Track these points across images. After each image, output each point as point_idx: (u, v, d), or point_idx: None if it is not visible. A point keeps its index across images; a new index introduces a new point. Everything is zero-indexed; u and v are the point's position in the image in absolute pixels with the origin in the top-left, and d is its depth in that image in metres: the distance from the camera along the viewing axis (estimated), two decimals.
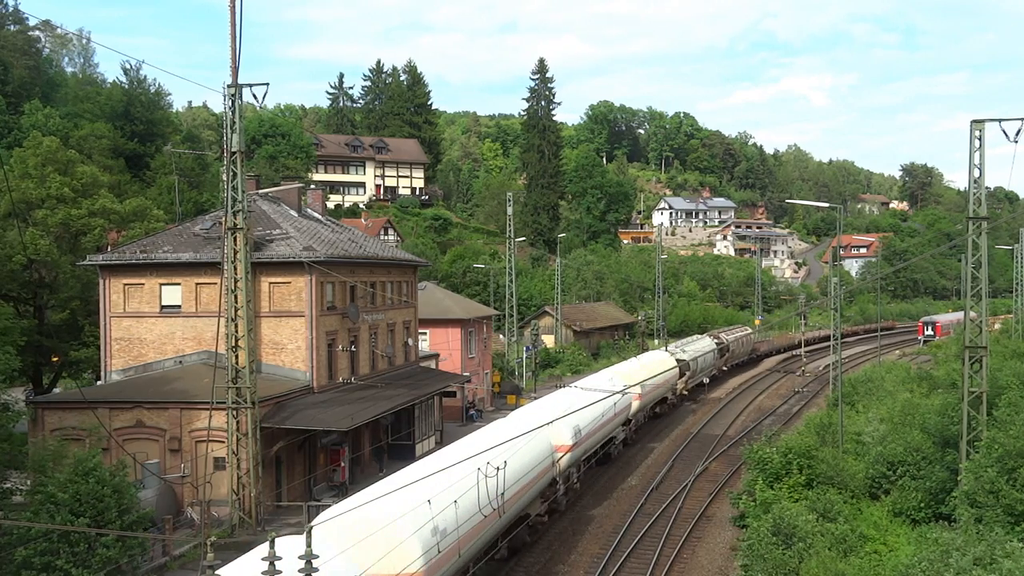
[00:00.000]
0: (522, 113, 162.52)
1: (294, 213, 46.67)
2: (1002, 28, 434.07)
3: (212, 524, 33.44)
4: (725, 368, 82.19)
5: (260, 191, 46.69)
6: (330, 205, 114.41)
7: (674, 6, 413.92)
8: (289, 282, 40.53)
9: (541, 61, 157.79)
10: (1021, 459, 27.03)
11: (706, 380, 74.76)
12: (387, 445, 46.86)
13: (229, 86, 34.42)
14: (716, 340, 79.27)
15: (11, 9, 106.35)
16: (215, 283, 37.49)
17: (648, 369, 54.30)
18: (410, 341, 52.73)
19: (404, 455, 46.39)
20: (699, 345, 73.67)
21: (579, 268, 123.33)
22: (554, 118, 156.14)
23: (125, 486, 28.72)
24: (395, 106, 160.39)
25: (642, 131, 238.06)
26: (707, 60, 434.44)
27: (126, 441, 35.95)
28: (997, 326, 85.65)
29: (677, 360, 64.71)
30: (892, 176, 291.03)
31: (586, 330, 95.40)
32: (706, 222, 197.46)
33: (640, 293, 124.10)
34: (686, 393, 67.93)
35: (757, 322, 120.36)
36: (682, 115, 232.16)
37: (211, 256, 39.49)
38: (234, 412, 34.75)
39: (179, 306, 41.20)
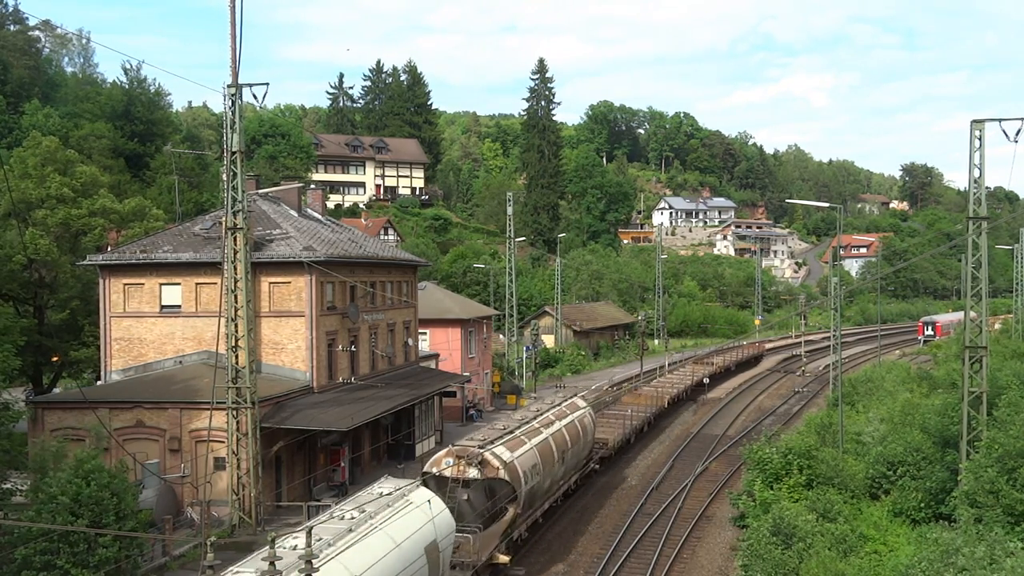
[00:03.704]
0: (522, 113, 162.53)
1: (294, 213, 46.67)
2: (1002, 28, 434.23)
3: (212, 524, 33.43)
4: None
5: (260, 191, 46.66)
6: (330, 205, 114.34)
7: (673, 8, 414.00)
8: (289, 282, 40.52)
9: (541, 61, 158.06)
10: (1021, 459, 27.02)
11: None
12: (387, 445, 46.89)
13: (229, 86, 34.40)
14: (458, 486, 30.05)
15: (11, 9, 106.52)
16: (215, 283, 37.48)
17: None
18: (410, 341, 52.71)
19: (404, 455, 46.46)
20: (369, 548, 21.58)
21: (578, 268, 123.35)
22: (554, 118, 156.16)
23: (125, 488, 28.68)
24: (395, 106, 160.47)
25: (642, 131, 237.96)
26: (707, 61, 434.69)
27: (126, 441, 35.93)
28: (997, 326, 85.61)
29: None
30: (892, 176, 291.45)
31: (586, 330, 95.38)
32: (706, 222, 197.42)
33: (640, 293, 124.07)
34: None
35: (757, 322, 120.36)
36: (682, 115, 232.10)
37: (211, 256, 39.48)
38: (234, 412, 34.73)
39: (179, 306, 41.20)
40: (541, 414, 38.68)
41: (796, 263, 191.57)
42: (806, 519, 29.84)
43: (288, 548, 19.93)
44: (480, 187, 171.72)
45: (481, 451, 30.81)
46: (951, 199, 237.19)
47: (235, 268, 34.93)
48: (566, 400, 43.39)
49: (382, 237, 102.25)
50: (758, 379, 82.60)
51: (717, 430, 58.23)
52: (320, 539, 20.60)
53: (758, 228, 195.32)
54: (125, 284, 41.51)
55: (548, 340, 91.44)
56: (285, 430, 37.22)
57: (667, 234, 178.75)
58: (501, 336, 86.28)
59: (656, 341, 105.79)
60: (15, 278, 45.49)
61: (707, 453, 50.87)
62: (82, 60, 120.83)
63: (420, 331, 56.25)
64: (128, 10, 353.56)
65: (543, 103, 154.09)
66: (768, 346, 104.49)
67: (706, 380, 74.17)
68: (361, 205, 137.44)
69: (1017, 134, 30.09)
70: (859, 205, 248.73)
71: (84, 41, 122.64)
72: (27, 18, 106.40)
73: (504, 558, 30.34)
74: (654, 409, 58.90)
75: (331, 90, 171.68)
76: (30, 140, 52.76)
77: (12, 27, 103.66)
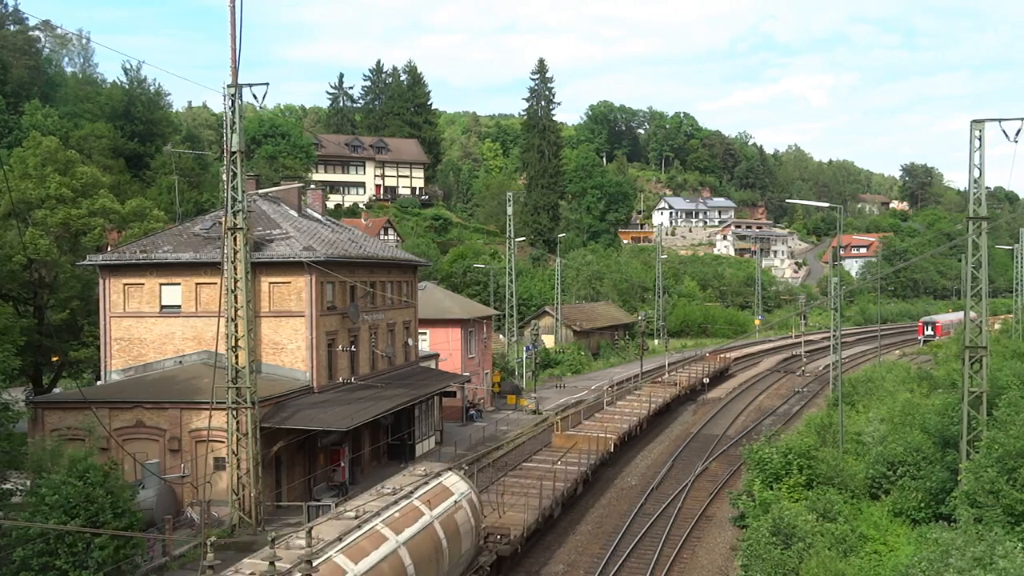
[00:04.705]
0: (522, 113, 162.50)
1: (294, 213, 46.65)
2: (1002, 28, 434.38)
3: (212, 524, 33.43)
4: None
5: (260, 191, 46.64)
6: (330, 205, 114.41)
7: (673, 8, 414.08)
8: (289, 282, 40.51)
9: (541, 61, 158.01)
10: (1021, 459, 27.00)
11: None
12: (388, 445, 46.86)
13: (229, 86, 34.39)
14: None
15: (11, 9, 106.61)
16: (215, 283, 37.46)
17: None
18: (410, 341, 52.69)
19: (404, 455, 46.45)
20: None
21: (578, 268, 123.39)
22: (554, 118, 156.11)
23: (119, 487, 28.63)
24: (395, 106, 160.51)
25: (642, 131, 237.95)
26: (707, 61, 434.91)
27: (126, 441, 35.93)
28: (997, 326, 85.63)
29: None
30: (892, 176, 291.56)
31: (586, 330, 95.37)
32: (706, 222, 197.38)
33: (640, 293, 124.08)
34: None
35: (757, 322, 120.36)
36: (682, 115, 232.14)
37: (211, 256, 39.47)
38: (234, 412, 34.72)
39: (179, 306, 41.19)
40: (364, 522, 22.17)
41: (796, 263, 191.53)
42: (806, 519, 29.82)
43: None
44: (480, 187, 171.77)
45: None
46: (951, 199, 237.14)
47: (235, 268, 34.92)
48: (427, 482, 26.19)
49: (382, 237, 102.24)
50: (758, 379, 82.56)
51: (717, 430, 58.20)
52: None
53: (758, 228, 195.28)
54: (125, 284, 41.50)
55: (548, 340, 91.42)
56: (285, 430, 37.21)
57: (667, 234, 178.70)
58: (501, 336, 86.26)
59: (656, 341, 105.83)
60: (15, 278, 45.49)
61: (707, 453, 50.83)
62: (82, 60, 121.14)
63: (420, 331, 56.23)
64: (128, 10, 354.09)
65: (543, 103, 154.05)
66: (737, 354, 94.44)
67: (705, 385, 74.07)
68: (361, 205, 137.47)
69: (1017, 134, 30.06)
70: (859, 205, 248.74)
71: (84, 41, 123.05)
72: (27, 18, 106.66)
73: None
74: (596, 457, 43.38)
75: (331, 90, 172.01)
76: (30, 140, 52.77)
77: (12, 27, 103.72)
